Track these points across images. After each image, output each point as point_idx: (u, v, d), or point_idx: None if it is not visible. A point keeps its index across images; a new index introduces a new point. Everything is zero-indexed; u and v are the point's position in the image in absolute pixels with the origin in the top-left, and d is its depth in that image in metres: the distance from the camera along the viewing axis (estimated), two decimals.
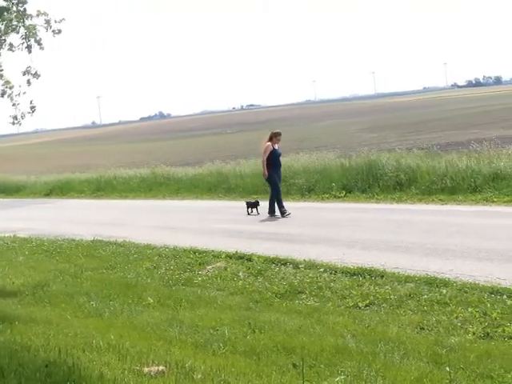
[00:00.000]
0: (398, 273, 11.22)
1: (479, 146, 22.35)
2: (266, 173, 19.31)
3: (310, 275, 11.68)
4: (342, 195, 21.86)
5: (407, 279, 10.75)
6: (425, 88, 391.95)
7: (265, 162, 19.35)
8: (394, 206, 19.37)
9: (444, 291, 9.90)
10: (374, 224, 16.53)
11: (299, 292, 10.85)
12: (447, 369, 6.69)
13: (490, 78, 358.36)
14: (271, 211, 19.20)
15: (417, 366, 7.00)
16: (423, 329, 8.48)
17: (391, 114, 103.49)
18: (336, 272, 11.77)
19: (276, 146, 19.47)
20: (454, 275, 10.79)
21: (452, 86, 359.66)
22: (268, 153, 19.28)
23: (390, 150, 26.23)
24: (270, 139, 19.43)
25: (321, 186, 23.03)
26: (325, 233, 15.87)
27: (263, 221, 18.90)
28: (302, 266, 12.46)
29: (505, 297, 9.32)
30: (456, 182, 19.60)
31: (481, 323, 8.44)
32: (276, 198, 19.18)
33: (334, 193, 22.12)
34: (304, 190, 23.28)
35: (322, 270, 11.99)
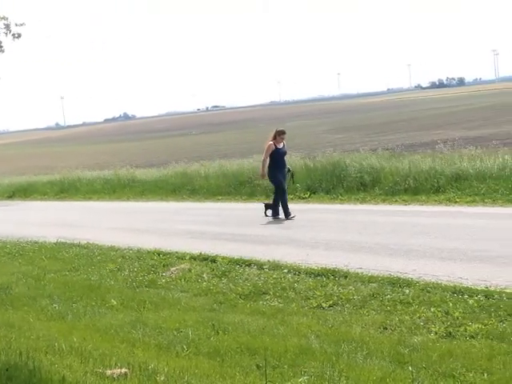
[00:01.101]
0: (362, 273, 11.26)
1: (442, 147, 22.57)
2: (264, 173, 18.63)
3: (274, 276, 11.68)
4: (307, 196, 21.93)
5: (370, 279, 10.79)
6: (389, 89, 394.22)
7: (264, 162, 18.55)
8: (358, 206, 19.46)
9: (407, 291, 9.94)
10: (338, 225, 16.61)
11: (263, 293, 10.84)
12: (410, 368, 6.73)
13: (453, 79, 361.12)
14: (274, 213, 18.45)
15: (380, 366, 7.02)
16: (386, 329, 8.50)
17: (356, 114, 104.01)
18: (300, 273, 11.78)
19: (280, 145, 18.64)
20: (416, 275, 10.86)
21: (416, 87, 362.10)
22: (269, 152, 18.42)
23: (354, 150, 26.32)
24: (274, 138, 18.66)
25: None
26: (289, 233, 15.90)
27: (227, 222, 18.90)
28: (266, 266, 12.46)
29: (466, 296, 9.38)
30: (419, 183, 19.74)
31: (443, 323, 8.48)
32: (281, 200, 18.32)
33: (298, 194, 22.17)
34: (269, 191, 23.27)
35: (286, 270, 12.00)
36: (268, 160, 18.46)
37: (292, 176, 19.40)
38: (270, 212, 18.57)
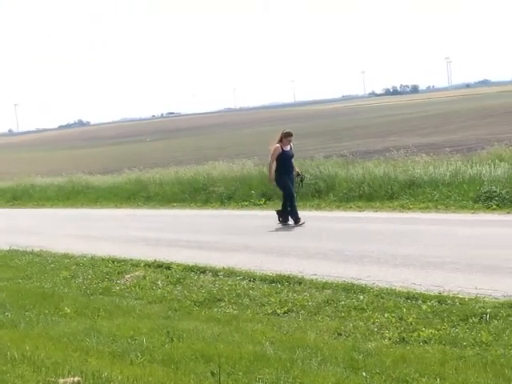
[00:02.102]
0: (316, 279, 11.29)
1: (396, 154, 22.78)
2: (272, 177, 17.67)
3: (229, 283, 11.68)
4: (262, 203, 21.97)
5: (325, 286, 10.82)
6: (343, 96, 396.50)
7: (271, 166, 17.66)
8: (313, 213, 19.52)
9: (361, 297, 10.00)
10: (293, 231, 16.66)
11: (218, 300, 10.82)
12: (364, 374, 6.77)
13: (407, 86, 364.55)
14: (284, 219, 17.69)
15: (334, 372, 7.03)
16: (340, 335, 8.53)
17: (311, 121, 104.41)
18: (255, 279, 11.79)
19: (287, 148, 17.80)
20: (371, 281, 10.92)
21: (370, 94, 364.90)
22: (275, 155, 17.53)
23: (309, 157, 26.41)
24: (280, 140, 17.83)
25: (240, 193, 23.12)
26: (244, 240, 15.89)
27: (182, 229, 18.85)
28: (221, 273, 12.45)
29: (420, 302, 9.46)
30: (373, 189, 19.90)
31: (397, 328, 8.53)
32: (289, 205, 17.55)
33: (253, 200, 22.23)
34: (224, 198, 23.33)
35: (240, 277, 12.00)
36: (274, 163, 17.67)
37: (301, 180, 18.65)
38: (284, 218, 17.76)
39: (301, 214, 18.97)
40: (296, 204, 17.67)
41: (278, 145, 17.69)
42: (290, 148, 17.90)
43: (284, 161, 17.61)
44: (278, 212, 17.87)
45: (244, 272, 12.35)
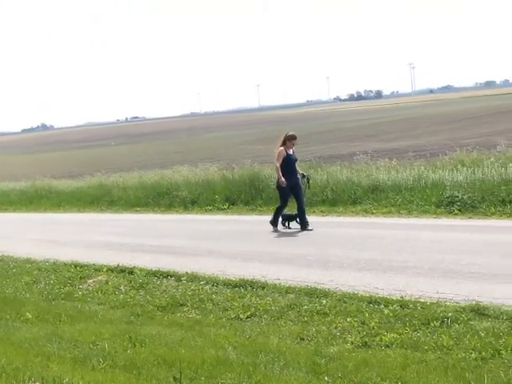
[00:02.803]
0: (280, 284, 11.33)
1: (360, 159, 22.87)
2: (283, 179, 16.74)
3: (192, 288, 11.67)
4: (226, 207, 21.95)
5: (288, 290, 10.86)
6: (308, 101, 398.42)
7: (279, 169, 16.88)
8: None
9: (324, 301, 10.03)
10: (257, 236, 16.65)
11: (181, 305, 10.81)
12: (326, 378, 6.80)
13: (371, 91, 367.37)
14: (275, 223, 17.16)
15: (296, 377, 7.04)
16: (303, 339, 8.54)
17: (276, 126, 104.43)
18: (218, 284, 11.80)
19: (290, 151, 17.16)
20: (333, 286, 10.96)
21: (335, 99, 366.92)
22: (281, 158, 16.89)
23: (273, 162, 26.42)
24: (284, 143, 17.13)
25: (204, 198, 23.09)
26: (207, 245, 15.86)
27: (146, 233, 18.77)
28: (184, 278, 12.44)
29: (382, 306, 9.51)
30: (337, 194, 19.97)
31: (359, 332, 8.57)
32: (278, 209, 17.20)
33: (217, 205, 22.21)
34: (187, 203, 23.28)
35: (203, 282, 12.00)
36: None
37: (308, 180, 17.89)
38: (293, 224, 17.19)
39: (263, 218, 19.00)
40: (283, 211, 17.29)
41: (282, 148, 17.07)
42: (293, 152, 17.33)
43: (287, 165, 17.01)
44: (289, 217, 17.32)
45: (207, 277, 12.35)
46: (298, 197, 17.09)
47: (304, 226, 16.71)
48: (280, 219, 17.33)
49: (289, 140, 17.14)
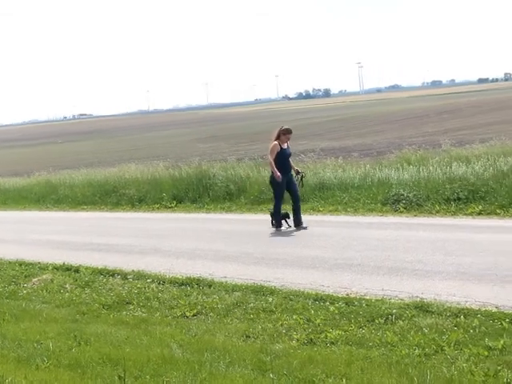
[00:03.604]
0: (226, 282, 11.36)
1: (307, 157, 22.98)
2: (278, 174, 16.12)
3: (139, 286, 11.63)
4: (173, 205, 21.88)
5: (235, 288, 10.88)
6: (257, 99, 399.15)
7: (273, 164, 16.30)
8: (224, 215, 19.56)
9: (270, 299, 10.07)
10: (204, 234, 16.62)
11: (127, 303, 10.75)
12: (271, 375, 6.80)
13: (320, 90, 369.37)
14: (277, 223, 16.38)
15: (242, 374, 7.05)
16: (249, 337, 8.55)
17: (224, 124, 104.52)
18: (164, 282, 11.78)
19: (285, 146, 16.52)
20: (280, 283, 11.02)
21: (283, 97, 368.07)
22: (275, 152, 16.32)
23: (221, 160, 26.45)
24: (278, 137, 16.53)
25: (152, 196, 22.98)
26: (154, 243, 15.81)
27: (92, 231, 18.62)
28: (131, 276, 12.40)
29: (328, 303, 9.58)
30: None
31: (305, 330, 8.60)
32: (275, 206, 16.45)
33: (164, 203, 22.12)
34: (135, 201, 23.15)
35: (150, 280, 11.98)
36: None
37: (302, 178, 17.25)
38: (290, 222, 16.46)
39: (210, 216, 18.98)
40: (281, 207, 16.49)
41: (276, 142, 16.50)
42: (288, 146, 16.73)
43: (281, 160, 16.43)
44: (283, 216, 16.57)
45: (154, 275, 12.32)
46: (293, 193, 16.60)
47: (298, 224, 16.17)
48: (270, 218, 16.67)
49: (283, 134, 16.57)
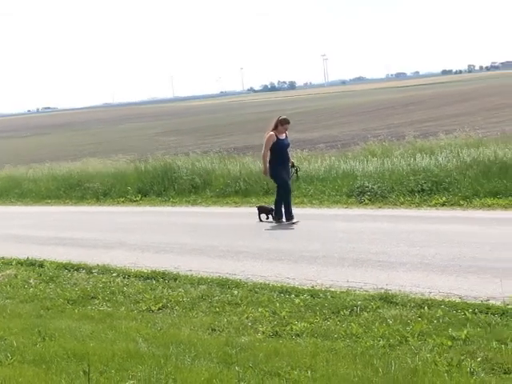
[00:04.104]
0: (192, 275, 11.34)
1: None
2: (266, 169, 15.76)
3: (104, 280, 11.56)
4: (138, 199, 21.81)
5: (200, 281, 10.87)
6: (222, 92, 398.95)
7: (265, 156, 15.73)
8: (190, 208, 19.54)
9: (235, 292, 10.06)
10: (170, 227, 16.60)
11: (92, 297, 10.68)
12: (237, 368, 6.80)
13: (285, 82, 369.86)
14: (278, 215, 15.82)
15: (207, 367, 7.04)
16: (214, 330, 8.54)
17: (190, 117, 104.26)
18: (130, 276, 11.73)
19: (282, 136, 15.86)
20: (245, 276, 11.04)
21: (248, 90, 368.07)
22: (270, 144, 15.65)
23: (187, 153, 26.39)
24: (275, 127, 15.84)
25: (116, 189, 22.89)
26: (120, 237, 15.74)
27: (57, 226, 18.50)
28: (96, 271, 12.32)
29: (293, 296, 9.60)
30: (249, 185, 20.03)
31: (270, 322, 8.61)
32: (284, 201, 15.78)
33: (129, 197, 22.03)
34: (99, 194, 23.04)
35: (115, 274, 11.91)
36: (269, 154, 15.86)
37: (297, 171, 16.84)
38: (264, 217, 16.16)
39: (176, 210, 18.94)
40: (291, 200, 16.05)
41: (273, 133, 15.80)
42: (286, 137, 16.07)
43: (279, 151, 15.82)
44: (261, 209, 16.35)
45: (119, 269, 12.27)
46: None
47: (289, 217, 15.67)
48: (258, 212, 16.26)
49: (281, 124, 15.89)
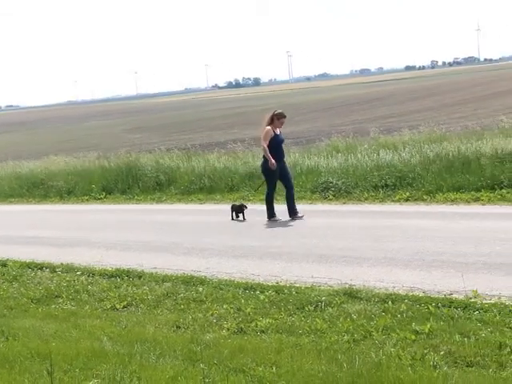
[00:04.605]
0: (156, 273, 11.32)
1: (237, 146, 23.01)
2: (273, 161, 15.08)
3: (68, 279, 11.50)
4: (102, 197, 21.70)
5: (165, 279, 10.84)
6: (186, 89, 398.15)
7: (266, 149, 15.17)
8: (154, 206, 19.49)
9: (200, 289, 10.06)
10: (134, 225, 16.55)
11: (56, 296, 10.61)
12: (201, 365, 6.78)
13: (249, 79, 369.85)
14: (271, 214, 15.43)
15: (172, 365, 7.03)
16: (179, 327, 8.52)
17: (154, 114, 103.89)
18: (94, 274, 11.68)
19: (278, 131, 15.53)
20: (210, 273, 11.05)
21: (213, 86, 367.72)
22: (268, 138, 15.24)
23: (151, 150, 26.32)
24: (271, 122, 15.46)
25: (80, 187, 22.75)
26: (84, 235, 15.66)
27: (20, 225, 18.37)
28: (60, 269, 12.26)
29: (258, 292, 9.61)
30: (214, 182, 20.02)
31: (235, 319, 8.61)
32: (268, 196, 15.55)
33: (94, 195, 21.92)
34: (63, 193, 22.89)
35: (79, 273, 11.86)
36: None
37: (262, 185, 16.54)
38: (235, 215, 15.92)
39: (140, 207, 18.87)
40: (273, 196, 15.66)
41: (270, 127, 15.42)
42: (280, 132, 15.75)
43: (275, 146, 15.38)
44: (234, 207, 16.09)
45: (83, 267, 12.22)
46: (287, 181, 15.68)
47: (293, 213, 15.30)
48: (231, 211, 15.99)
49: (277, 119, 15.52)
